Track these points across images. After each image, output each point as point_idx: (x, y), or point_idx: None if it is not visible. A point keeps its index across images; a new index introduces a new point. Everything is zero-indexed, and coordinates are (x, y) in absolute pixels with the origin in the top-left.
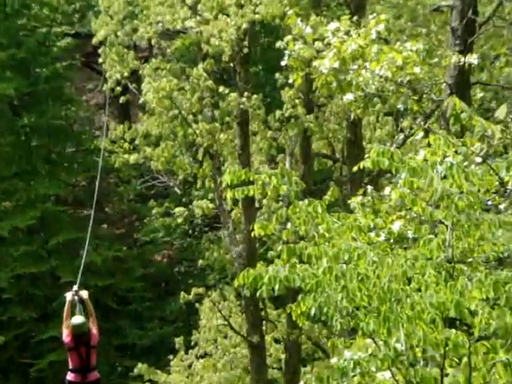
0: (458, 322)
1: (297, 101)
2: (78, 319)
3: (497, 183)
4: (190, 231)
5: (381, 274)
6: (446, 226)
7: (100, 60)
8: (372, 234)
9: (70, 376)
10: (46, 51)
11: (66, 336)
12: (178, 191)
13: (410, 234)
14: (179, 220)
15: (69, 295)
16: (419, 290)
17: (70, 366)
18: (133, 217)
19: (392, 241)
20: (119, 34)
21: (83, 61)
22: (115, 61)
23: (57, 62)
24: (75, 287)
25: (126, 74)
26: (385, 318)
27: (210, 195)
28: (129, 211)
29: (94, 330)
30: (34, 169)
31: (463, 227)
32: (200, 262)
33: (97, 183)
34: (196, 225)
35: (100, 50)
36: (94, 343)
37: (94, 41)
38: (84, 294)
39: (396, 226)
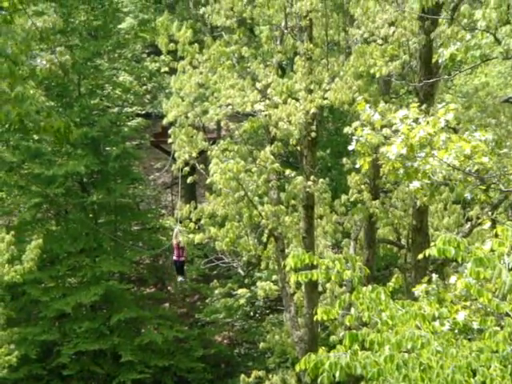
0: None
1: (363, 186)
2: (179, 238)
3: None
4: (252, 313)
5: (444, 365)
6: None
7: (169, 140)
8: (436, 324)
9: (174, 257)
10: (116, 131)
11: (174, 244)
12: (242, 272)
13: (475, 325)
14: (241, 301)
15: (176, 229)
16: (484, 383)
17: (174, 253)
18: (195, 297)
19: (456, 331)
20: (189, 115)
21: (152, 141)
22: (184, 141)
23: (127, 142)
24: (178, 226)
25: (194, 155)
26: None
27: (273, 277)
28: (191, 291)
29: (183, 242)
30: (100, 246)
31: None
32: (261, 344)
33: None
34: (258, 307)
35: (170, 131)
36: (182, 245)
37: (165, 121)
38: (181, 228)
39: (461, 317)
